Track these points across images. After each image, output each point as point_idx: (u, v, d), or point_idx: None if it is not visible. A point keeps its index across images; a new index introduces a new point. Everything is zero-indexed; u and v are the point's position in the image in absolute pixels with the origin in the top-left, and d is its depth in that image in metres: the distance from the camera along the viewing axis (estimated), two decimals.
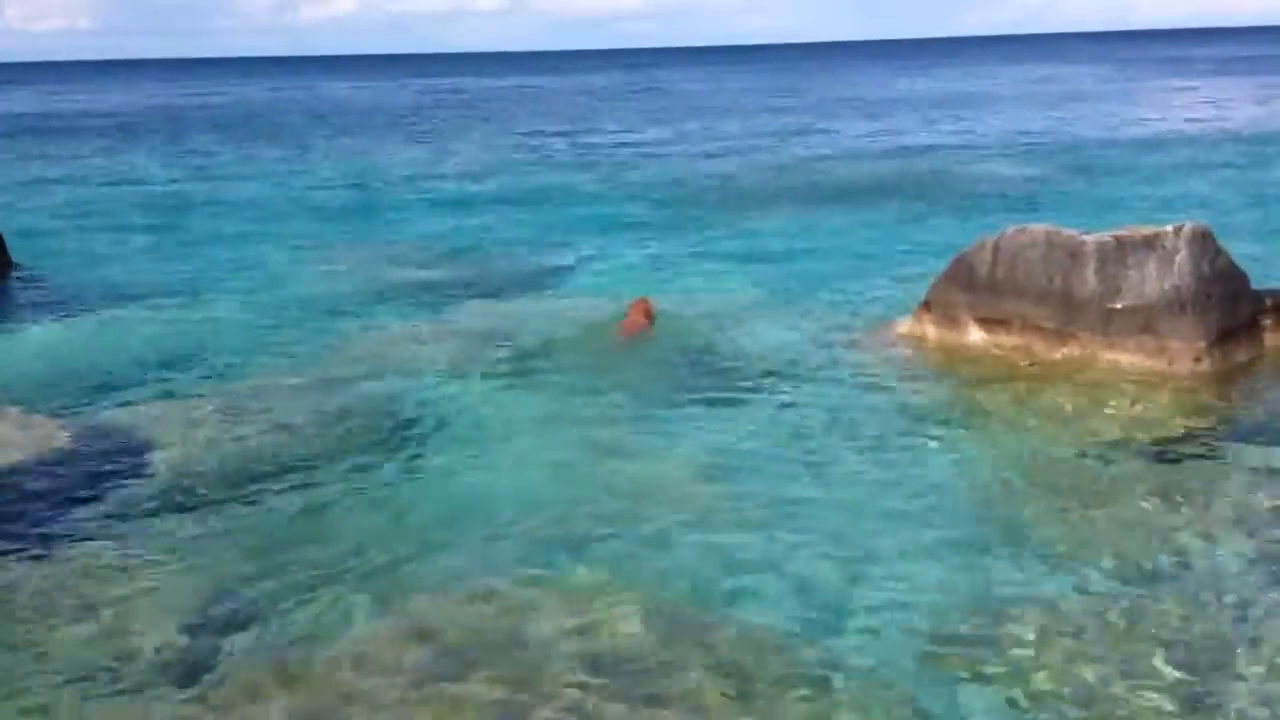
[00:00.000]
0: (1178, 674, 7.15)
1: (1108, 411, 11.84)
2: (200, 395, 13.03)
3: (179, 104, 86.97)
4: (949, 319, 14.34)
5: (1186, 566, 8.54)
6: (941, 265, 14.82)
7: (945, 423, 11.92)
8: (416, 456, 11.14)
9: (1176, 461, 10.52)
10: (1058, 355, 13.40)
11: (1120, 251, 13.21)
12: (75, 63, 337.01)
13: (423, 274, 20.22)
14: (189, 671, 7.40)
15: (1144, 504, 9.63)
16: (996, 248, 14.05)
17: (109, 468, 10.82)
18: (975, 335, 14.11)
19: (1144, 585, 8.25)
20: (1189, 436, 11.12)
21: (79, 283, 19.86)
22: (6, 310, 18.20)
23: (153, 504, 9.99)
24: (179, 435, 11.62)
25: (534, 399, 12.89)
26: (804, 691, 7.05)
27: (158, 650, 7.64)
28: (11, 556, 9.05)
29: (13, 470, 10.70)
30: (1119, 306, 13.12)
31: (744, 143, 44.24)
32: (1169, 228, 13.28)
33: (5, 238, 20.74)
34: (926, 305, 14.67)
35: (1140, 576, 8.38)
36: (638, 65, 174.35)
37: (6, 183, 35.77)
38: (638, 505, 9.77)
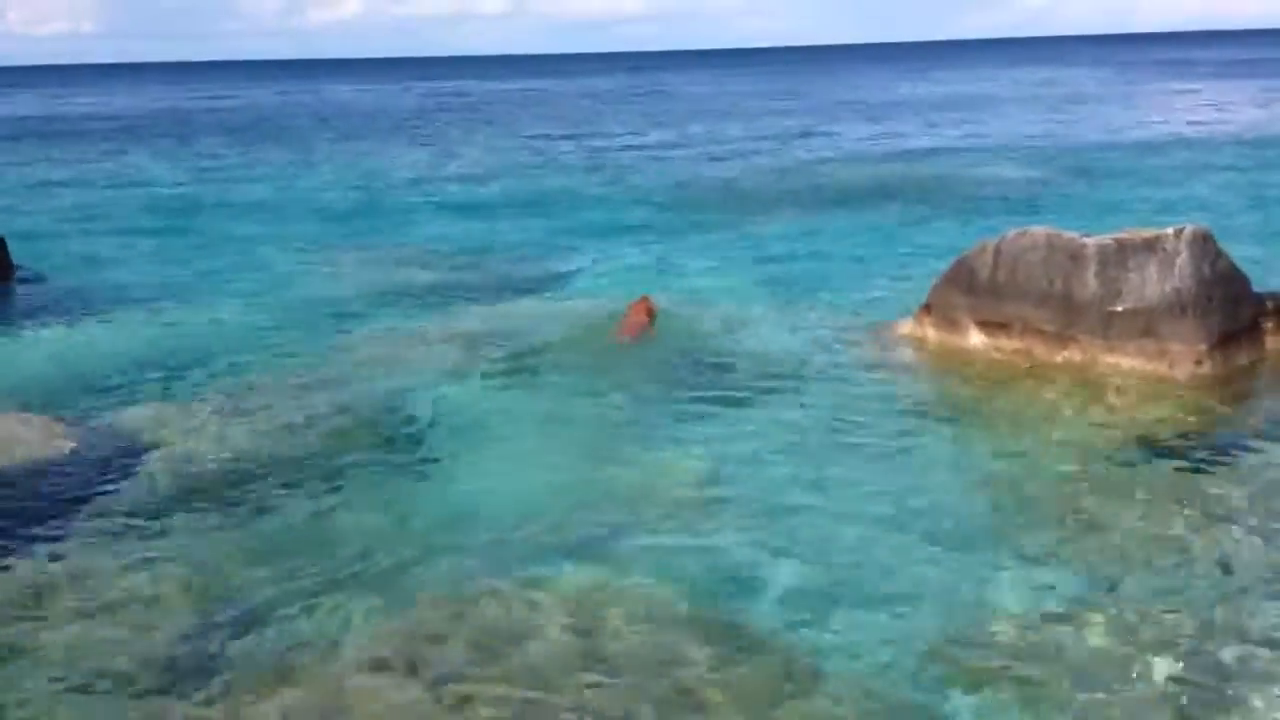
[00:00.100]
0: (1178, 675, 7.19)
1: (1108, 415, 11.86)
2: (203, 397, 13.07)
3: (185, 107, 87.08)
4: (949, 321, 14.36)
5: (1187, 568, 8.56)
6: (942, 268, 14.84)
7: (945, 425, 11.96)
8: (419, 458, 11.19)
9: (1178, 465, 10.52)
10: (1058, 358, 13.40)
11: (1121, 254, 13.20)
12: (79, 66, 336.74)
13: (427, 276, 20.29)
14: (191, 673, 7.44)
15: (1144, 507, 9.66)
16: (997, 250, 14.06)
17: (112, 469, 10.86)
18: (976, 338, 14.13)
19: (1144, 587, 8.28)
20: (1190, 440, 11.12)
21: (82, 285, 19.92)
22: (9, 313, 18.24)
23: (155, 506, 10.04)
24: (182, 437, 11.68)
25: (536, 400, 12.95)
26: (804, 691, 7.09)
27: (160, 652, 7.68)
28: (13, 557, 9.10)
29: (16, 471, 10.74)
30: (1120, 309, 13.12)
31: (746, 145, 44.27)
32: (1170, 230, 13.26)
33: (8, 241, 20.80)
34: (927, 308, 14.69)
35: (1141, 578, 8.41)
36: (640, 68, 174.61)
37: (10, 186, 35.83)
38: (638, 506, 9.82)
